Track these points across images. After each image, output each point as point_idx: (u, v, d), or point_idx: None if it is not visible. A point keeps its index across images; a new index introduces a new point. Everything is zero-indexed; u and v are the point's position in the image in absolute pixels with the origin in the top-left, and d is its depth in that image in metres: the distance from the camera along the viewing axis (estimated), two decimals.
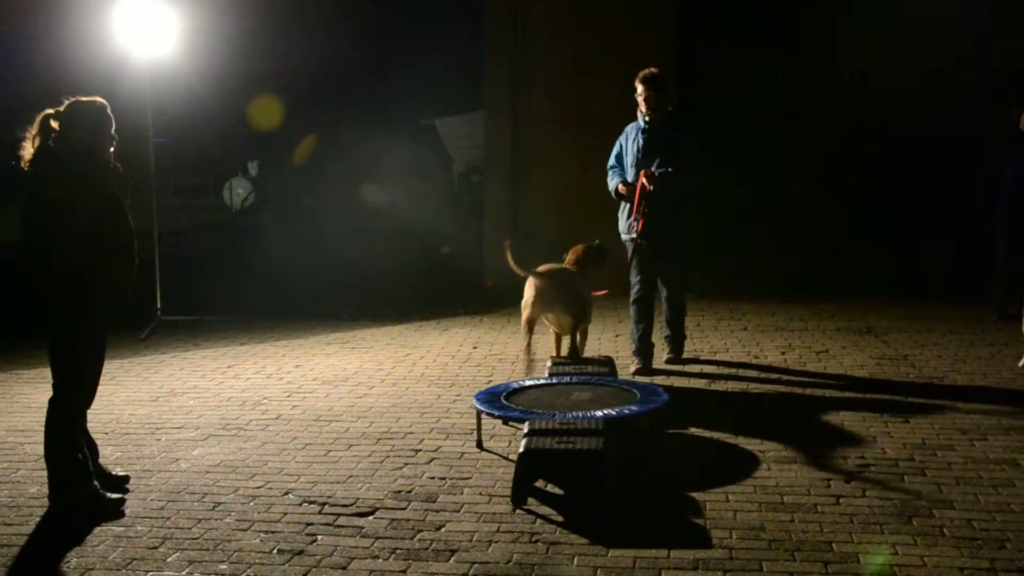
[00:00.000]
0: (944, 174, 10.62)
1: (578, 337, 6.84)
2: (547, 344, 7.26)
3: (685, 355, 7.61)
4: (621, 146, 7.22)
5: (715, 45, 11.66)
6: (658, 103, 6.98)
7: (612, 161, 7.28)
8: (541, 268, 6.83)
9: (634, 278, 7.22)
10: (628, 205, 7.08)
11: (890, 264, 10.89)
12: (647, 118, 7.01)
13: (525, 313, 6.72)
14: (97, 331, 4.81)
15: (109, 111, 4.84)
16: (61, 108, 4.75)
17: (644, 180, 6.86)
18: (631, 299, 7.29)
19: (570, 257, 7.08)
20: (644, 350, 7.31)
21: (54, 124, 4.72)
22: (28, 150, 4.71)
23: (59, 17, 10.68)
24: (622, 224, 7.22)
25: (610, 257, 7.19)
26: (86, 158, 4.71)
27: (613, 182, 7.18)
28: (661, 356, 7.53)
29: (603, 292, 7.14)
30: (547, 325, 6.96)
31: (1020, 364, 7.25)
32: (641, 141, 7.04)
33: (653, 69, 7.04)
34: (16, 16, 11.30)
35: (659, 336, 7.57)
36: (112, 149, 4.85)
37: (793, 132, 11.58)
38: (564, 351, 6.88)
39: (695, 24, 11.33)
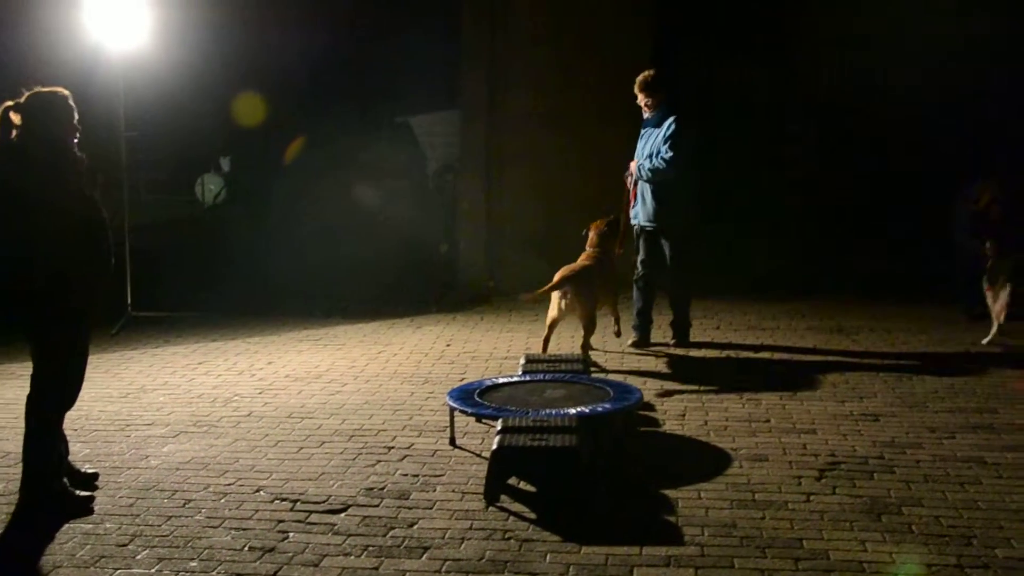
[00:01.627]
0: (920, 174, 10.69)
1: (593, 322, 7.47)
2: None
3: (663, 351, 7.90)
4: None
5: (691, 45, 11.71)
6: (652, 103, 7.69)
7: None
8: (558, 276, 7.33)
9: (638, 260, 8.01)
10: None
11: (862, 264, 10.97)
12: (646, 116, 7.79)
13: (551, 316, 7.43)
14: (81, 328, 4.76)
15: (71, 101, 4.76)
16: (21, 100, 4.67)
17: (632, 168, 7.81)
18: (633, 279, 8.05)
19: (592, 236, 7.75)
20: (641, 324, 8.00)
21: (14, 117, 4.63)
22: None
23: (29, 9, 10.55)
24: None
25: (622, 226, 7.92)
26: (54, 151, 4.65)
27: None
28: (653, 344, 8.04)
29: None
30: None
31: (984, 342, 7.82)
32: (642, 136, 7.87)
33: (646, 73, 7.69)
34: None
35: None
36: (76, 139, 4.79)
37: (764, 132, 11.65)
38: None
39: (672, 24, 11.36)
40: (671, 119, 7.61)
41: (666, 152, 7.53)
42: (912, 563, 4.01)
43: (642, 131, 7.89)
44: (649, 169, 7.63)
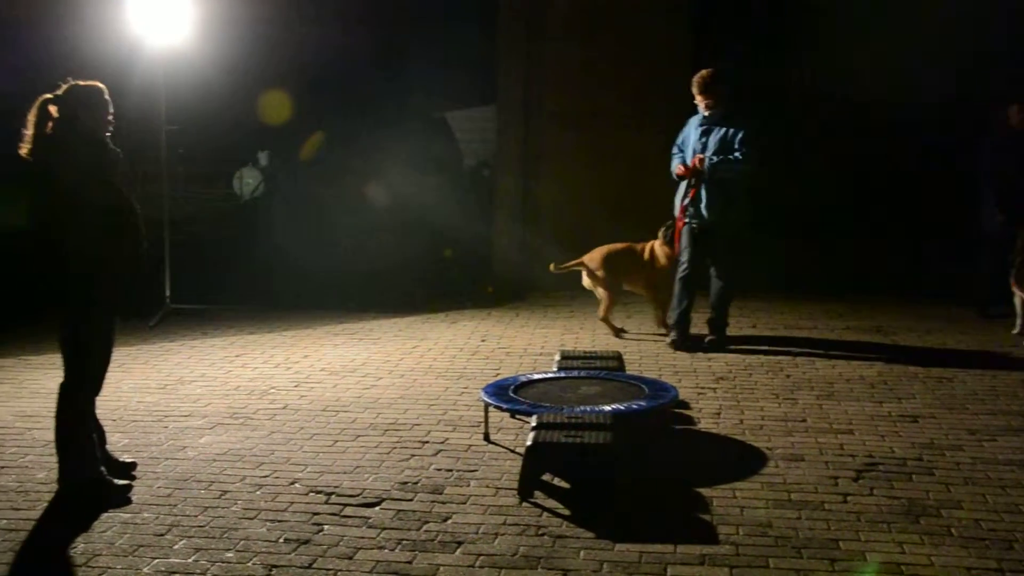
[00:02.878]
0: (951, 174, 10.55)
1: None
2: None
3: (698, 347, 7.84)
4: (684, 136, 7.90)
5: (727, 44, 11.61)
6: (712, 101, 7.62)
7: (675, 149, 7.95)
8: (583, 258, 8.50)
9: (683, 257, 7.86)
10: (684, 186, 7.76)
11: (899, 264, 10.83)
12: (705, 114, 7.68)
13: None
14: (111, 316, 4.81)
15: (107, 95, 4.82)
16: (59, 92, 4.73)
17: (696, 161, 7.63)
18: (677, 276, 7.93)
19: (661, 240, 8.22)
20: (680, 324, 7.89)
21: (52, 109, 4.70)
22: (26, 137, 4.68)
23: (72, 4, 10.68)
24: (677, 204, 7.88)
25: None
26: (88, 144, 4.70)
27: (674, 163, 7.88)
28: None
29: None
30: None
31: (1014, 332, 7.93)
32: (699, 133, 7.72)
33: (705, 72, 7.66)
34: (29, 3, 11.30)
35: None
36: (109, 133, 4.84)
37: (801, 131, 11.52)
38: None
39: (708, 23, 11.29)
40: (742, 117, 7.60)
41: (744, 149, 7.50)
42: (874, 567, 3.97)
43: (698, 127, 7.74)
44: (723, 167, 7.52)
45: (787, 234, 10.87)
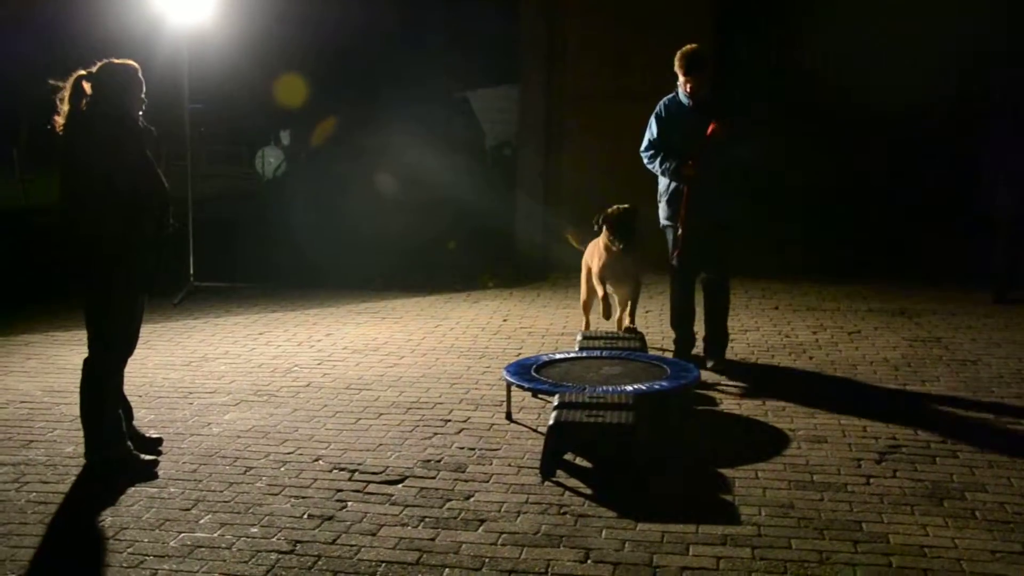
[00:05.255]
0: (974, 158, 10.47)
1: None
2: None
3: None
4: (659, 127, 6.61)
5: (751, 24, 11.54)
6: (701, 83, 6.46)
7: (647, 143, 6.67)
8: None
9: (681, 267, 6.73)
10: (672, 187, 6.61)
11: (923, 247, 10.76)
12: (686, 99, 6.52)
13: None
14: (133, 292, 4.85)
15: (140, 74, 4.85)
16: (93, 70, 4.77)
17: (691, 167, 6.42)
18: (674, 287, 6.86)
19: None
20: (688, 342, 6.90)
21: (86, 86, 4.73)
22: (61, 112, 4.73)
23: None
24: (665, 211, 6.73)
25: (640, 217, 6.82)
26: (119, 120, 4.73)
27: (659, 163, 6.59)
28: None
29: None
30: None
31: None
32: (684, 122, 6.49)
33: (690, 49, 6.44)
34: None
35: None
36: (142, 112, 4.87)
37: (826, 115, 11.44)
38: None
39: (731, 7, 11.21)
40: (730, 97, 6.88)
41: (744, 136, 6.49)
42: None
43: (681, 116, 6.54)
44: (726, 161, 6.42)
45: (813, 216, 10.85)
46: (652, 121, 6.69)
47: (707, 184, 6.44)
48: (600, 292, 6.95)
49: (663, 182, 6.72)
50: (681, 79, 6.49)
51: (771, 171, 10.35)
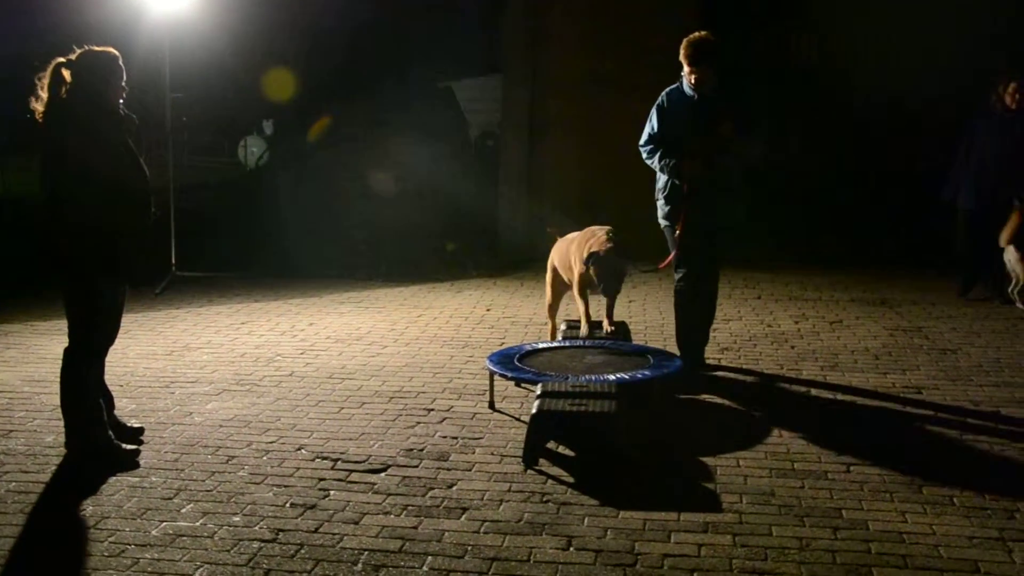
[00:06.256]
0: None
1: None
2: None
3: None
4: (659, 119, 6.15)
5: (738, 13, 11.54)
6: (707, 74, 5.97)
7: (647, 138, 6.22)
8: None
9: (682, 272, 6.30)
10: (671, 185, 6.17)
11: (904, 237, 10.83)
12: (691, 90, 6.04)
13: None
14: (114, 281, 4.82)
15: (120, 62, 4.81)
16: (72, 57, 4.73)
17: (696, 164, 5.98)
18: (676, 292, 6.41)
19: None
20: (695, 349, 6.46)
21: (66, 74, 4.69)
22: (41, 100, 4.69)
23: None
24: (663, 209, 6.31)
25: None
26: (99, 108, 4.70)
27: (658, 159, 6.14)
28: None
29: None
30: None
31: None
32: (687, 114, 6.06)
33: (697, 37, 5.95)
34: None
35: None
36: (122, 100, 4.84)
37: (807, 102, 11.48)
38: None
39: None
40: (737, 89, 6.21)
41: (751, 131, 6.09)
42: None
43: (684, 108, 6.08)
44: (732, 160, 6.04)
45: (787, 203, 10.87)
46: (653, 113, 6.22)
47: (709, 184, 6.02)
48: (582, 309, 6.23)
49: (662, 178, 6.24)
50: (686, 69, 6.00)
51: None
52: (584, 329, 6.21)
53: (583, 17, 10.98)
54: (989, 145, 8.33)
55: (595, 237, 6.09)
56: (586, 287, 6.19)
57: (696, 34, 5.98)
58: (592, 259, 5.98)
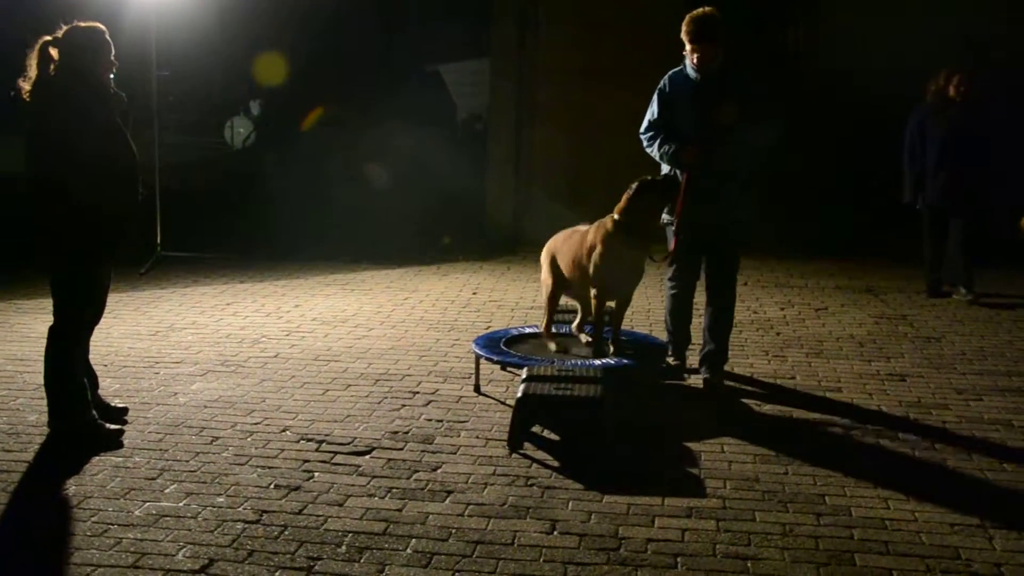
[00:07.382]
0: None
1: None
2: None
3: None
4: (661, 104, 5.68)
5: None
6: (713, 53, 5.48)
7: (648, 124, 5.72)
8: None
9: (674, 273, 5.90)
10: (671, 174, 5.68)
11: (890, 227, 10.84)
12: (694, 73, 5.56)
13: None
14: (99, 260, 4.79)
15: (108, 36, 4.76)
16: (59, 34, 4.68)
17: (694, 153, 5.47)
18: (667, 295, 6.02)
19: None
20: (678, 349, 6.06)
21: (53, 52, 4.64)
22: (28, 77, 4.65)
23: None
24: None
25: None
26: (86, 85, 4.65)
27: (657, 147, 5.63)
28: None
29: None
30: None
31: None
32: (692, 98, 5.56)
33: (701, 12, 5.45)
34: None
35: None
36: (112, 76, 4.79)
37: (796, 95, 11.46)
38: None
39: None
40: (748, 71, 5.71)
41: (763, 117, 5.56)
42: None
43: (688, 90, 5.57)
44: (740, 150, 5.54)
45: (782, 195, 10.86)
46: (655, 98, 5.72)
47: (708, 175, 5.51)
48: (596, 308, 5.59)
49: (664, 169, 5.73)
50: (688, 48, 5.50)
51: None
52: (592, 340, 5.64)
53: (572, 5, 10.94)
54: (939, 141, 8.06)
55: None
56: (602, 284, 5.49)
57: (698, 10, 5.47)
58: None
